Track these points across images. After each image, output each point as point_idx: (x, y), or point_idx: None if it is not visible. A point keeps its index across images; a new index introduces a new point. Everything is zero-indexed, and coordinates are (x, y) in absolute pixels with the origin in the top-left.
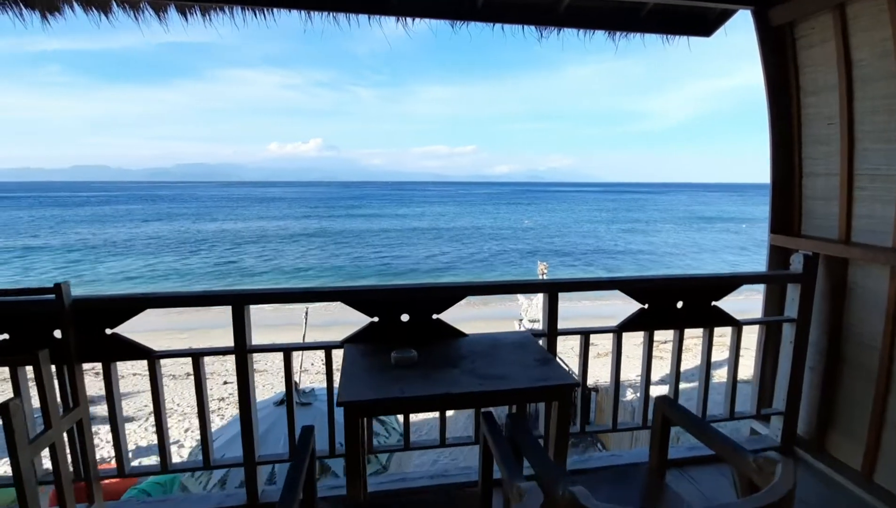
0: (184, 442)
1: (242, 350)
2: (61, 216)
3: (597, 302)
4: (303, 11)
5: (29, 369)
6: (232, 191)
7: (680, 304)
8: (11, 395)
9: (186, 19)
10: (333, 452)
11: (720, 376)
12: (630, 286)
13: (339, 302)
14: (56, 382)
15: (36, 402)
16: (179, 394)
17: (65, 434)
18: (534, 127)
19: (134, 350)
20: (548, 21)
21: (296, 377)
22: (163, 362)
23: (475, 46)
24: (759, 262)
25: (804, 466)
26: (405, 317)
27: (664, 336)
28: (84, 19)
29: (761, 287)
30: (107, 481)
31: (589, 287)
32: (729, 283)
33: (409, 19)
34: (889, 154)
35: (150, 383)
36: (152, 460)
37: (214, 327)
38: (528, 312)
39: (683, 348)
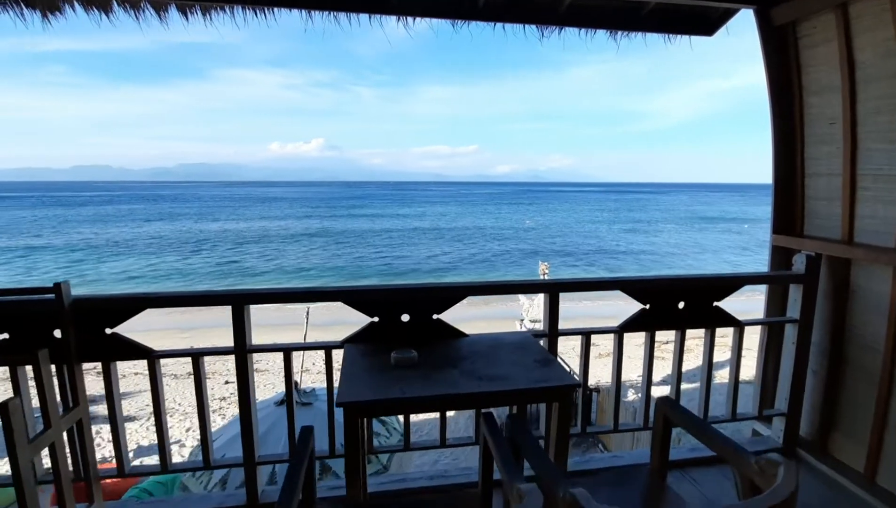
0: (185, 442)
1: (242, 350)
2: (64, 216)
3: (598, 302)
4: (303, 11)
5: (29, 368)
6: (234, 191)
7: (681, 304)
8: (11, 395)
9: (187, 18)
10: (333, 452)
11: (722, 376)
12: (631, 287)
13: (339, 302)
14: (56, 381)
15: (36, 402)
16: (181, 394)
17: (64, 434)
18: (535, 127)
19: (134, 350)
20: (549, 20)
21: (297, 377)
22: (164, 361)
23: (476, 46)
24: (761, 262)
25: (806, 468)
26: (405, 317)
27: (666, 337)
28: (85, 19)
29: (763, 288)
30: (108, 480)
31: (590, 287)
32: (731, 283)
33: (409, 19)
34: (892, 154)
35: (150, 382)
36: (154, 459)
37: (216, 326)
38: (529, 312)
39: (685, 348)
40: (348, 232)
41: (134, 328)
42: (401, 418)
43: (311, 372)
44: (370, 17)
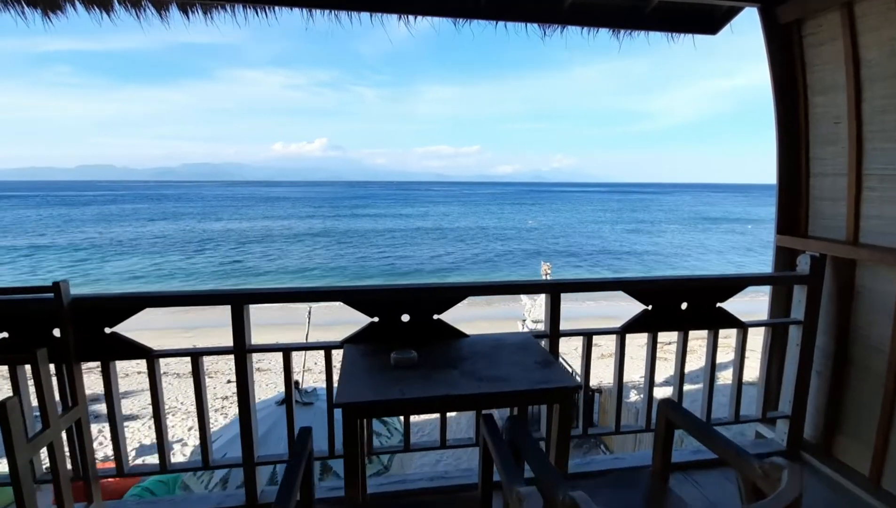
0: (187, 441)
1: (242, 350)
2: (68, 215)
3: (601, 303)
4: (304, 10)
5: (28, 368)
6: (237, 190)
7: (684, 305)
8: (11, 394)
9: (188, 18)
10: (333, 453)
11: (725, 377)
12: (633, 287)
13: (339, 302)
14: (55, 381)
15: (35, 401)
16: (184, 393)
17: (63, 434)
18: (537, 127)
19: (133, 349)
20: (551, 19)
21: (298, 377)
22: (168, 360)
23: (478, 46)
24: (765, 263)
25: (811, 470)
26: (406, 317)
27: (668, 338)
28: (86, 18)
29: (767, 289)
30: (110, 479)
31: (592, 288)
32: (734, 284)
33: (411, 17)
34: None
35: (150, 382)
36: (156, 458)
37: (219, 325)
38: (531, 312)
39: (688, 349)
40: (351, 232)
41: (137, 327)
42: (402, 418)
43: (314, 372)
44: (371, 16)
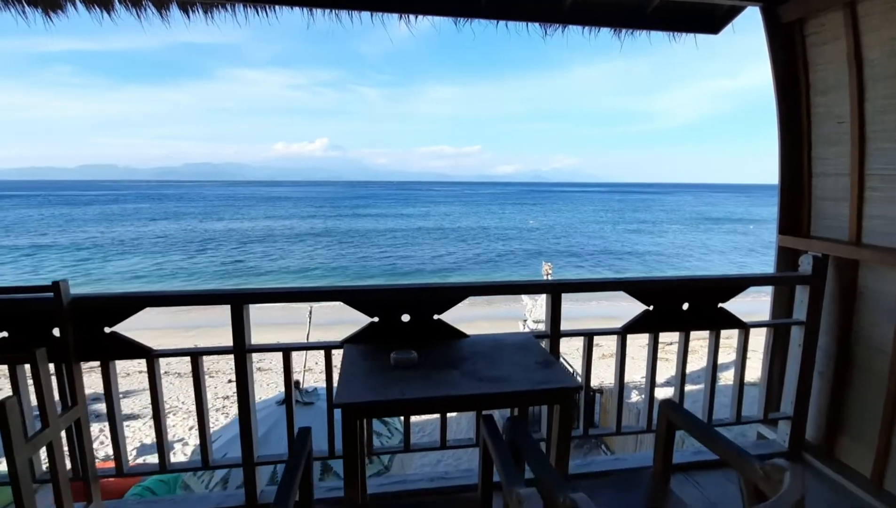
0: (188, 440)
1: (241, 350)
2: (70, 215)
3: (603, 303)
4: (304, 9)
5: (28, 367)
6: (238, 190)
7: (686, 306)
8: (10, 394)
9: (189, 17)
10: (333, 453)
11: (727, 378)
12: (635, 288)
13: (339, 302)
14: (55, 381)
15: (35, 401)
16: (185, 392)
17: (63, 434)
18: (538, 127)
19: (133, 349)
20: (552, 18)
21: (299, 377)
22: (169, 360)
23: (480, 46)
24: (767, 264)
25: (812, 472)
26: (406, 317)
27: (669, 338)
28: (87, 17)
29: (769, 289)
30: (110, 478)
31: (593, 288)
32: (736, 285)
33: (411, 16)
34: None
35: (149, 382)
36: (157, 457)
37: (220, 325)
38: (532, 313)
39: (689, 349)
40: (352, 232)
41: (138, 327)
42: (402, 418)
43: (314, 371)
44: (372, 16)
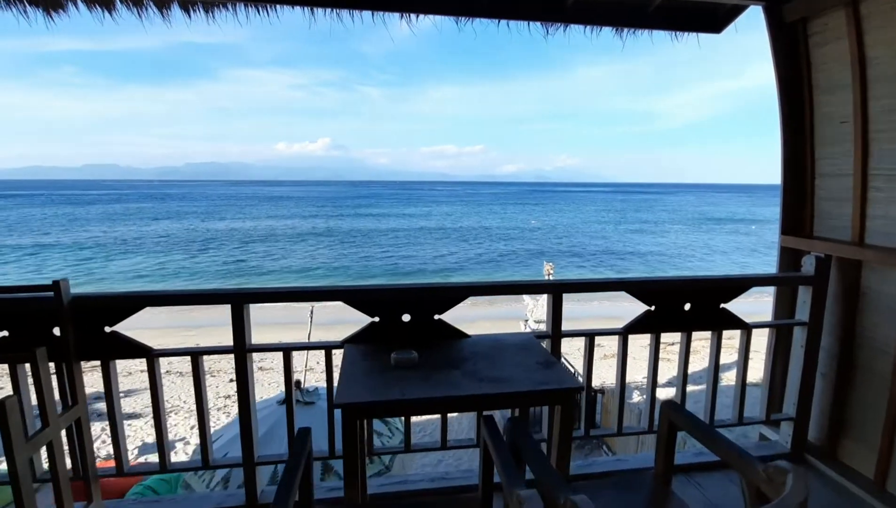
0: (190, 439)
1: (242, 350)
2: (72, 214)
3: (605, 303)
4: (305, 8)
5: (28, 366)
6: (240, 190)
7: (687, 306)
8: (10, 393)
9: (189, 17)
10: (333, 453)
11: (729, 379)
12: (636, 288)
13: (340, 302)
14: (55, 380)
15: (35, 400)
16: (187, 391)
17: (63, 433)
18: (541, 127)
19: (133, 349)
20: (554, 17)
21: (300, 376)
22: (171, 359)
23: (482, 46)
24: (769, 264)
25: (815, 473)
26: (406, 317)
27: (671, 338)
28: (88, 17)
29: (771, 290)
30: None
31: (594, 288)
32: (738, 285)
33: (413, 15)
34: None
35: (149, 381)
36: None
37: (222, 324)
38: (533, 313)
39: (691, 349)
40: (354, 231)
41: (139, 325)
42: (403, 418)
43: (316, 371)
44: (373, 15)
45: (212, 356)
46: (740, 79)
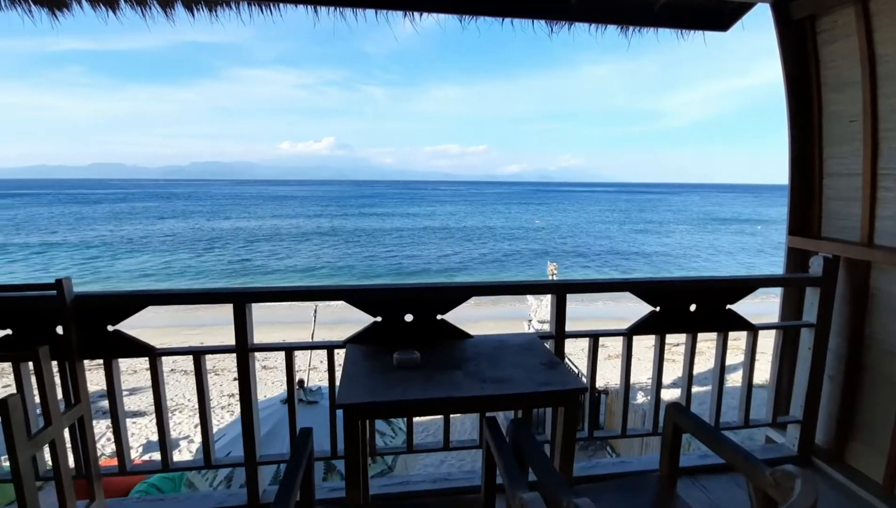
0: (194, 437)
1: (244, 349)
2: (79, 213)
3: (609, 303)
4: (308, 7)
5: (31, 365)
6: (245, 189)
7: (693, 307)
8: (13, 391)
9: (193, 16)
10: (335, 453)
11: (734, 380)
12: (641, 288)
13: (342, 302)
14: (58, 378)
15: (38, 398)
16: (191, 390)
17: (66, 431)
18: (544, 127)
19: (136, 347)
20: (559, 16)
21: (303, 376)
22: (176, 357)
23: (486, 44)
24: (776, 265)
25: (822, 477)
26: (409, 317)
27: (676, 339)
28: (92, 16)
29: (778, 291)
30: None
31: (598, 289)
32: (744, 286)
33: (416, 14)
34: None
35: (152, 380)
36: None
37: (226, 323)
38: (537, 313)
39: (697, 350)
40: (359, 231)
41: (142, 324)
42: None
43: (319, 370)
44: (376, 13)
45: (215, 355)
46: (747, 77)
